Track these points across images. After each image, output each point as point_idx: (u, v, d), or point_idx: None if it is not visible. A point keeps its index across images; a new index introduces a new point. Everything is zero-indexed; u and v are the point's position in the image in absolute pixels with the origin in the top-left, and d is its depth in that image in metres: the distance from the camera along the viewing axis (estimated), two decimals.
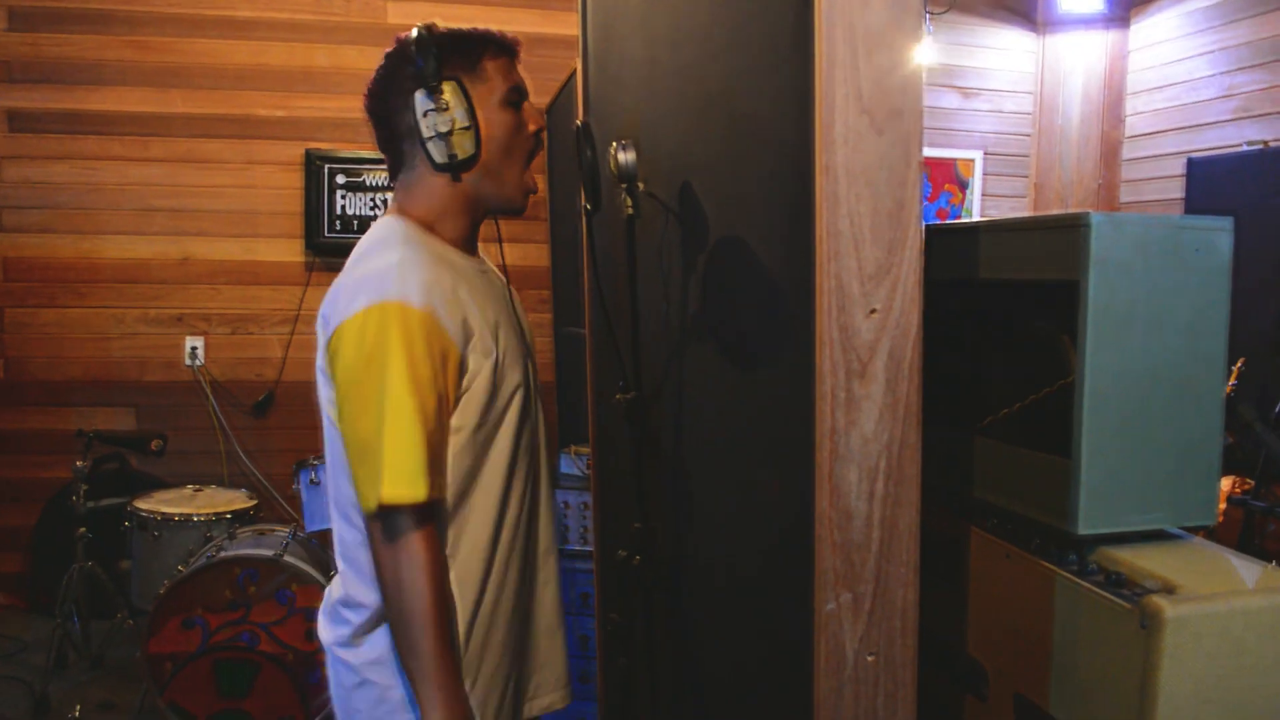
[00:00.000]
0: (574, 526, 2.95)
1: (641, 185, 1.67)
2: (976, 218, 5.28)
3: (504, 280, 1.76)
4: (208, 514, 3.72)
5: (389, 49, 1.63)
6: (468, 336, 1.52)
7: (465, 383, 1.52)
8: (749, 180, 1.37)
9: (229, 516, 3.74)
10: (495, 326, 1.57)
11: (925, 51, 5.13)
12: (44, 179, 4.47)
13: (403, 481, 1.41)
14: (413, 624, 1.44)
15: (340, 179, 4.63)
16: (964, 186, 5.29)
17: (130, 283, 4.57)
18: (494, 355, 1.54)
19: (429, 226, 1.62)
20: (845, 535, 1.13)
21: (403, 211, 1.63)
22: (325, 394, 1.55)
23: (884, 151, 1.11)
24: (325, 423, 1.57)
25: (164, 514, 3.69)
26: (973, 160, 5.30)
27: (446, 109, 1.55)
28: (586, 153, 1.64)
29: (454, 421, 1.52)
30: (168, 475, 4.43)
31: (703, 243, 1.55)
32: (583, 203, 1.72)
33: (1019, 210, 5.40)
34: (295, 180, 4.63)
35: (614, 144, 1.65)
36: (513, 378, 1.59)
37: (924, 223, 1.19)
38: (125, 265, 4.56)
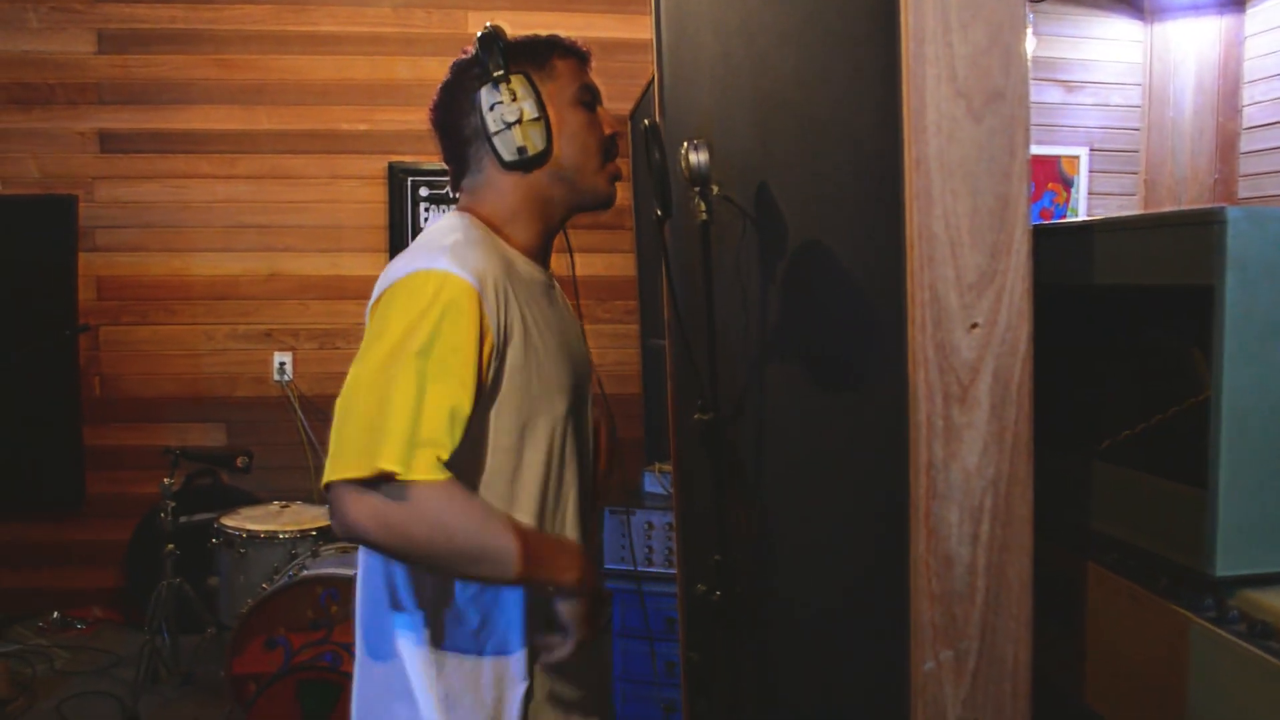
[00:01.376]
0: (659, 548, 2.82)
1: (715, 188, 1.54)
2: (1084, 217, 5.01)
3: (571, 304, 1.64)
4: (292, 531, 3.70)
5: (455, 59, 1.55)
6: (507, 336, 1.39)
7: (495, 378, 1.39)
8: (830, 178, 1.23)
9: (313, 534, 3.71)
10: (543, 341, 1.44)
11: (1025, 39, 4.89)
12: (135, 198, 4.52)
13: (425, 453, 1.26)
14: (483, 557, 1.31)
15: (423, 191, 4.60)
16: (1069, 185, 5.02)
17: (220, 299, 4.60)
18: (530, 371, 1.42)
19: (496, 229, 1.51)
20: (945, 585, 0.98)
21: (468, 210, 1.53)
22: None
23: (983, 141, 0.96)
24: None
25: (249, 531, 3.68)
26: (1078, 157, 5.03)
27: (514, 99, 1.45)
28: (655, 155, 1.51)
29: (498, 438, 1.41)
30: (258, 489, 4.44)
31: (782, 249, 1.41)
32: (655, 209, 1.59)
33: (1128, 208, 5.11)
34: (379, 194, 4.61)
35: (685, 144, 1.52)
36: (557, 405, 1.46)
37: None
38: (215, 282, 4.59)
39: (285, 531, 3.68)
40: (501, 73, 1.45)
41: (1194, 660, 1.28)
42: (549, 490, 1.47)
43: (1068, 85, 5.06)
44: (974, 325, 0.97)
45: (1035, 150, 4.95)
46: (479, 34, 1.47)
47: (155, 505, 4.27)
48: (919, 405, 0.96)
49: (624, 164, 1.60)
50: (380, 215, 4.62)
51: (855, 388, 1.21)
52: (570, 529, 1.53)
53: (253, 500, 4.27)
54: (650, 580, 2.77)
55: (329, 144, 4.59)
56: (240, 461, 3.88)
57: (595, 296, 4.65)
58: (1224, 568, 1.28)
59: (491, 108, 1.46)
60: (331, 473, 1.27)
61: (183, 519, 3.81)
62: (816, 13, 1.23)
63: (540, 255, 1.56)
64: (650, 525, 2.82)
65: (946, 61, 0.96)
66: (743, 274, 1.59)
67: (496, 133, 1.46)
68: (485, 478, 1.42)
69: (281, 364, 4.62)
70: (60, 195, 4.44)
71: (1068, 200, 5.02)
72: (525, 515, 1.43)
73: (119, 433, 4.59)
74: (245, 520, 3.79)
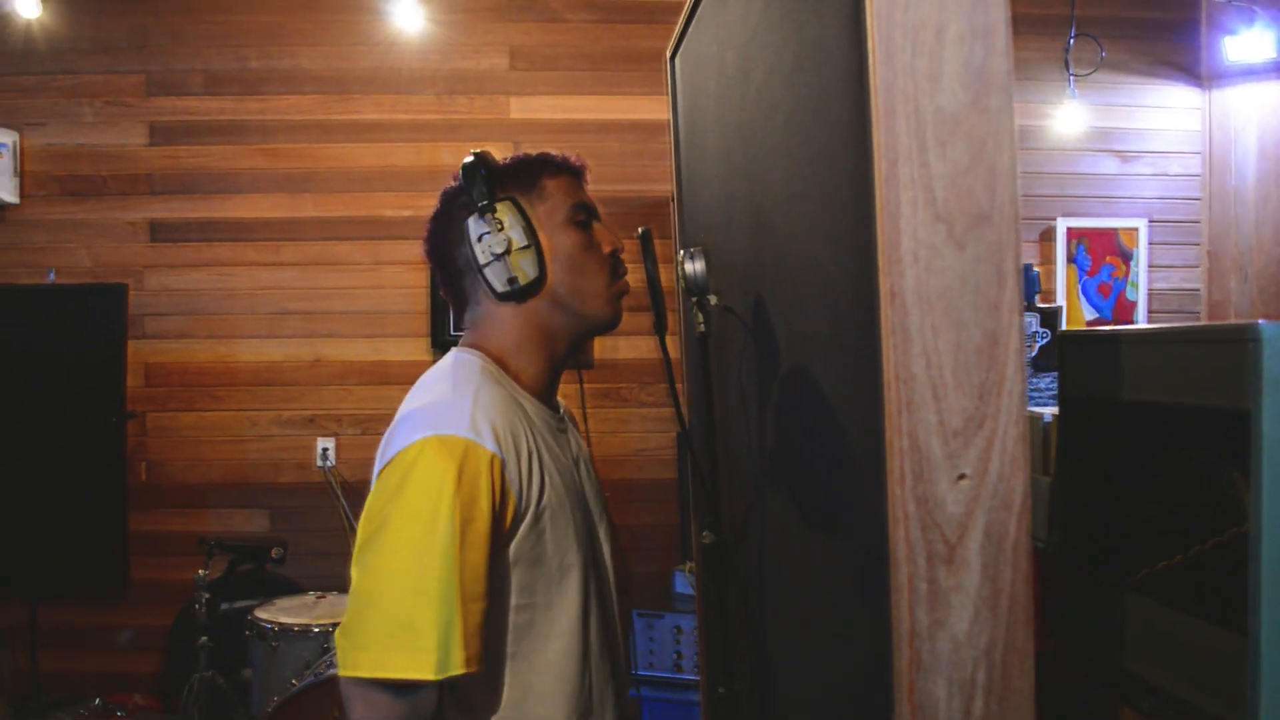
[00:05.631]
0: (688, 654, 2.69)
1: (713, 299, 1.46)
2: (1143, 291, 4.83)
3: (584, 441, 1.57)
4: (326, 624, 3.63)
5: (444, 187, 1.50)
6: (538, 494, 1.32)
7: (524, 547, 1.32)
8: (812, 302, 1.14)
9: None
10: (563, 492, 1.37)
11: (1073, 116, 4.77)
12: (182, 286, 4.58)
13: (441, 654, 1.20)
14: None
15: None
16: (1128, 258, 4.85)
17: (264, 385, 4.62)
18: (547, 530, 1.34)
19: (503, 365, 1.44)
20: None
21: (474, 346, 1.46)
22: None
23: (967, 270, 0.86)
24: None
25: (282, 624, 3.62)
26: (1136, 229, 4.87)
27: (501, 229, 1.38)
28: (647, 266, 1.44)
29: (517, 599, 1.32)
30: (300, 577, 4.40)
31: (775, 369, 1.32)
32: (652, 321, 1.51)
33: (1191, 281, 4.93)
34: (421, 279, 4.61)
35: (681, 253, 1.44)
36: (572, 556, 1.37)
37: (1031, 346, 0.93)
38: (259, 368, 4.62)
39: (318, 624, 3.62)
40: (486, 202, 1.40)
41: None
42: (583, 656, 1.38)
43: (1124, 155, 4.93)
44: (961, 476, 0.86)
45: (1092, 224, 4.82)
46: (463, 161, 1.42)
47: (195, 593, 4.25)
48: (900, 566, 0.85)
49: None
50: (422, 300, 4.61)
51: (841, 530, 1.10)
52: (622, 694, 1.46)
53: (293, 588, 4.23)
54: (677, 688, 2.63)
55: (373, 230, 4.62)
56: (275, 553, 3.84)
57: (639, 380, 4.58)
58: None
59: (480, 238, 1.40)
60: (355, 666, 1.24)
61: (223, 606, 3.78)
62: (796, 119, 1.15)
63: (548, 391, 1.49)
64: (679, 630, 2.69)
65: (924, 183, 0.86)
66: (744, 388, 1.50)
67: (486, 264, 1.40)
68: (511, 646, 1.34)
69: (325, 450, 4.61)
70: (111, 284, 4.51)
71: (1127, 274, 4.86)
72: (565, 683, 1.35)
73: (163, 518, 4.59)
74: (279, 612, 3.74)
